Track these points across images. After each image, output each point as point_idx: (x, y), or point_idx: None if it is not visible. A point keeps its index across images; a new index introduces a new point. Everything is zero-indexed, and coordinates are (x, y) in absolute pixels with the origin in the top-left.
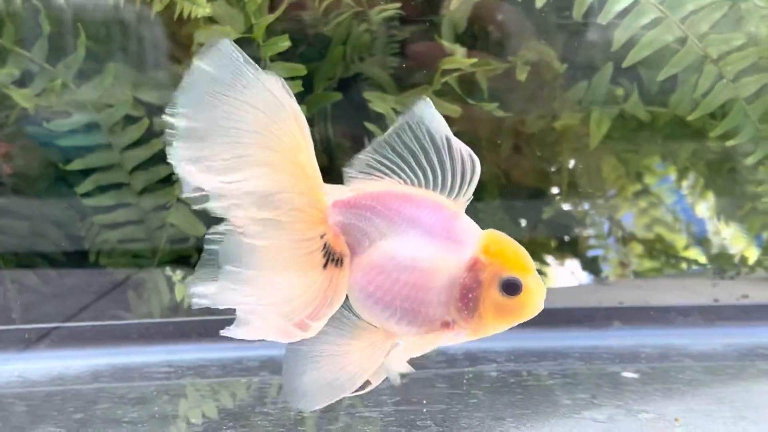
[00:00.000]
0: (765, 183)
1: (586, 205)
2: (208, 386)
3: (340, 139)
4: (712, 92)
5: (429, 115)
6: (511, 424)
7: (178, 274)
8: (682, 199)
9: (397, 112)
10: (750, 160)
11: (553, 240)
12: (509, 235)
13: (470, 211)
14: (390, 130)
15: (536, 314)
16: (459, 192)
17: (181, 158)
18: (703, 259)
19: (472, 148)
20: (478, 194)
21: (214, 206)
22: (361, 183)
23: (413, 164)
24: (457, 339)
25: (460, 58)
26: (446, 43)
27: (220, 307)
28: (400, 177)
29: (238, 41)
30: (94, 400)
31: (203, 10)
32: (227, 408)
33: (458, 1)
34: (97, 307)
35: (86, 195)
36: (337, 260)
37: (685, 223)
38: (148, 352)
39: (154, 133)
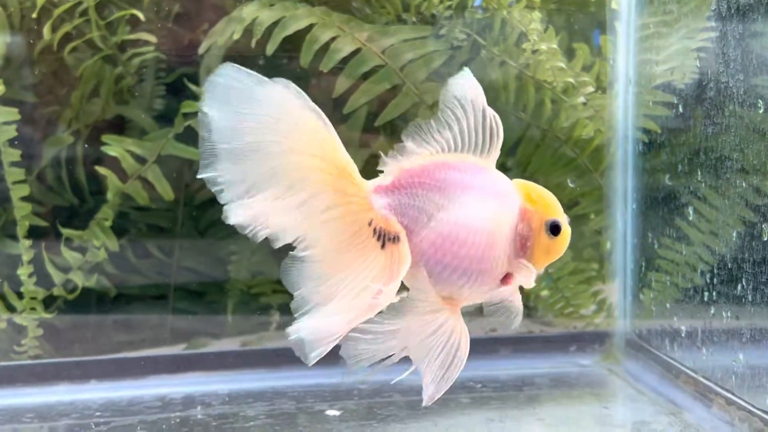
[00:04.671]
0: None
1: None
2: None
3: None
4: None
5: (469, 83)
6: None
7: None
8: None
9: (134, 155)
10: None
11: None
12: None
13: None
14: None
15: None
16: (489, 149)
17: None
18: None
19: None
20: None
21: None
22: (396, 163)
23: (454, 132)
24: (510, 291)
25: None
26: (194, 87)
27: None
28: (435, 147)
29: None
30: None
31: None
32: None
33: (206, 47)
34: None
35: None
36: (394, 238)
37: None
38: None
39: None
